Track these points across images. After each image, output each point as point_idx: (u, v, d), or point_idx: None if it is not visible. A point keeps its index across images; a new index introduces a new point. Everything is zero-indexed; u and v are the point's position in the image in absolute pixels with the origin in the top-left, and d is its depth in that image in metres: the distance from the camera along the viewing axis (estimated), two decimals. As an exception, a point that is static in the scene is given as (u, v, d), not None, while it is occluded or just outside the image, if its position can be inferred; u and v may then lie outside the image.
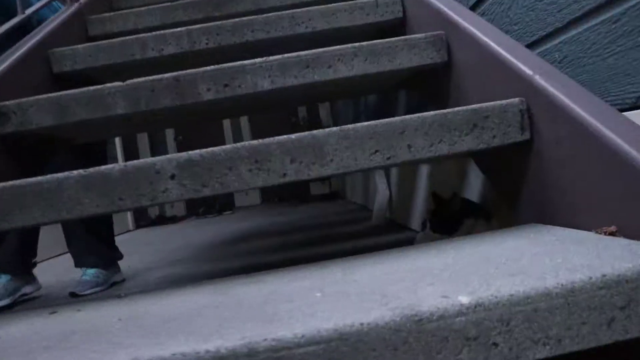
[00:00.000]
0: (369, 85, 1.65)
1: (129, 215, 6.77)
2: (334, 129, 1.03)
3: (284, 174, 1.04)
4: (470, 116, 1.05)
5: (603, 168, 0.86)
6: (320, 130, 1.04)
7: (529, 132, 1.07)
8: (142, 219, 7.26)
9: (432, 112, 1.05)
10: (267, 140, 1.04)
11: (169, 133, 8.15)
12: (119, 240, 2.79)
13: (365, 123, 1.04)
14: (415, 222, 2.67)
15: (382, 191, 3.13)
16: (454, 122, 1.05)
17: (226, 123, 8.08)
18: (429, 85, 1.64)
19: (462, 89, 1.41)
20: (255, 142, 1.04)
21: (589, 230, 0.90)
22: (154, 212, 8.15)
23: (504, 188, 1.27)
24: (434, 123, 1.04)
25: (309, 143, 1.03)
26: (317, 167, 1.03)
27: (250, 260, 2.76)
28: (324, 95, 1.72)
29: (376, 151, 1.03)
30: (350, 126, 1.03)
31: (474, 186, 1.75)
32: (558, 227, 0.99)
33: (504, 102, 1.07)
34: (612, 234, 0.83)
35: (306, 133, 1.04)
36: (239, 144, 1.04)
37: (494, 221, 1.54)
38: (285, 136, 1.04)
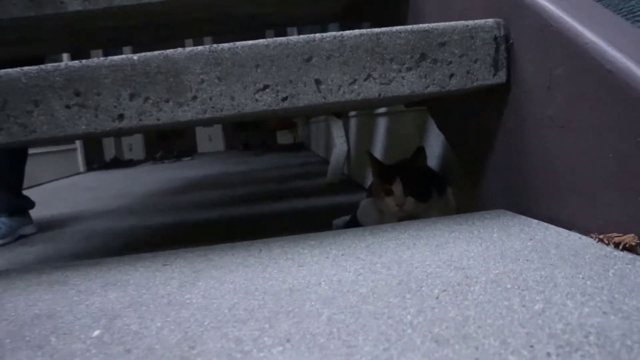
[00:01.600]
0: (299, 7, 1.26)
1: (80, 157, 6.31)
2: (201, 48, 0.65)
3: (120, 116, 0.65)
4: (416, 41, 0.67)
5: (627, 135, 0.50)
6: (180, 49, 0.65)
7: (505, 73, 0.71)
8: (95, 162, 6.81)
9: (357, 31, 0.67)
10: (94, 61, 0.65)
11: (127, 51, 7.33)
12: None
13: (250, 42, 0.65)
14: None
15: (339, 145, 2.76)
16: (390, 48, 0.67)
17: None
18: (384, 13, 1.25)
19: (423, 14, 1.02)
20: (75, 63, 0.65)
21: (586, 234, 0.55)
22: (109, 154, 7.70)
23: (465, 154, 0.91)
24: (359, 48, 0.66)
25: (161, 69, 0.65)
26: (172, 106, 0.65)
27: (185, 215, 2.42)
28: (242, 17, 1.32)
29: (265, 87, 0.66)
30: (225, 46, 0.65)
31: (433, 145, 1.39)
32: (537, 222, 0.64)
33: (469, 22, 0.69)
34: (629, 248, 0.48)
35: (156, 53, 0.65)
36: (50, 65, 0.66)
37: (450, 197, 1.19)
38: (122, 56, 0.65)
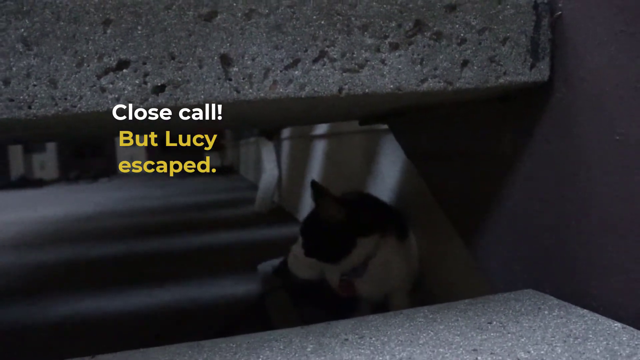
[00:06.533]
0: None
1: (-21, 174, 5.65)
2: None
3: None
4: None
5: None
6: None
7: (547, 64, 0.42)
8: (-1, 180, 6.14)
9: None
10: None
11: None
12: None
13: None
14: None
15: (269, 171, 2.44)
16: (362, 7, 0.37)
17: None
18: None
19: None
20: None
21: None
22: (17, 172, 6.99)
23: (454, 198, 0.61)
24: (306, 2, 0.36)
25: None
26: None
27: (84, 250, 2.02)
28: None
29: (122, 65, 0.33)
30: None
31: (387, 176, 1.10)
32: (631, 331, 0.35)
33: (495, -24, 0.40)
34: None
35: None
36: None
37: (413, 244, 0.90)
38: None
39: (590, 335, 0.34)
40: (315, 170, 1.83)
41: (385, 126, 0.91)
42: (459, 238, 0.64)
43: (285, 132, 2.30)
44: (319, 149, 1.77)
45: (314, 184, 0.80)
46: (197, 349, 0.37)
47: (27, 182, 6.27)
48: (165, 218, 2.84)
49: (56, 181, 6.79)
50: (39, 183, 6.31)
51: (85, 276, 1.53)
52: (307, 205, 1.98)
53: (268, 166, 2.46)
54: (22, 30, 0.32)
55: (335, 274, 0.85)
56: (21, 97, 0.33)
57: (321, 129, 1.62)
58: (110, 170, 6.98)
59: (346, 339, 0.37)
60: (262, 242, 1.87)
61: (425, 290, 0.86)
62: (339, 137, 1.49)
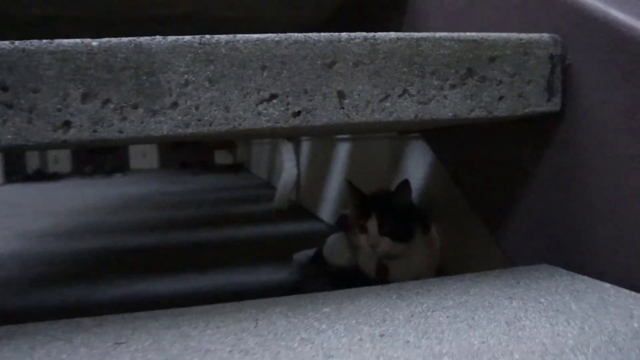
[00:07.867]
0: (281, 10, 1.10)
1: (-3, 167, 5.80)
2: (189, 38, 0.48)
3: (66, 124, 0.47)
4: (463, 52, 0.53)
5: None
6: (159, 37, 0.48)
7: (559, 99, 0.58)
8: (16, 173, 6.28)
9: (392, 34, 0.52)
10: (33, 43, 0.46)
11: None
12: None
13: (256, 36, 0.49)
14: (326, 212, 2.17)
15: (288, 169, 2.60)
16: (432, 58, 0.52)
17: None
18: (382, 24, 1.11)
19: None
20: (4, 44, 0.46)
21: None
22: (33, 165, 7.14)
23: (482, 196, 0.77)
24: (394, 56, 0.51)
25: (130, 62, 0.47)
26: (142, 115, 0.47)
27: (117, 240, 2.16)
28: (209, 22, 1.14)
29: (272, 97, 0.49)
30: (223, 38, 0.48)
31: (413, 180, 1.25)
32: (610, 286, 0.50)
33: (523, 36, 0.56)
34: None
35: (126, 40, 0.47)
36: None
37: (435, 236, 1.05)
38: (75, 41, 0.47)
39: (589, 291, 0.50)
40: (338, 170, 1.98)
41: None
42: (480, 232, 0.79)
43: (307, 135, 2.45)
44: (342, 151, 1.92)
45: (405, 183, 0.96)
46: (313, 297, 0.53)
47: (43, 175, 6.42)
48: (188, 212, 2.97)
49: (71, 175, 6.92)
50: (55, 177, 6.46)
51: (128, 263, 1.66)
52: (328, 202, 2.14)
53: (287, 165, 2.62)
54: (209, 72, 0.48)
55: (371, 259, 1.01)
56: (205, 118, 0.48)
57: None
58: (124, 166, 7.13)
59: (418, 292, 0.53)
60: (285, 236, 2.00)
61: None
62: (363, 140, 1.65)
